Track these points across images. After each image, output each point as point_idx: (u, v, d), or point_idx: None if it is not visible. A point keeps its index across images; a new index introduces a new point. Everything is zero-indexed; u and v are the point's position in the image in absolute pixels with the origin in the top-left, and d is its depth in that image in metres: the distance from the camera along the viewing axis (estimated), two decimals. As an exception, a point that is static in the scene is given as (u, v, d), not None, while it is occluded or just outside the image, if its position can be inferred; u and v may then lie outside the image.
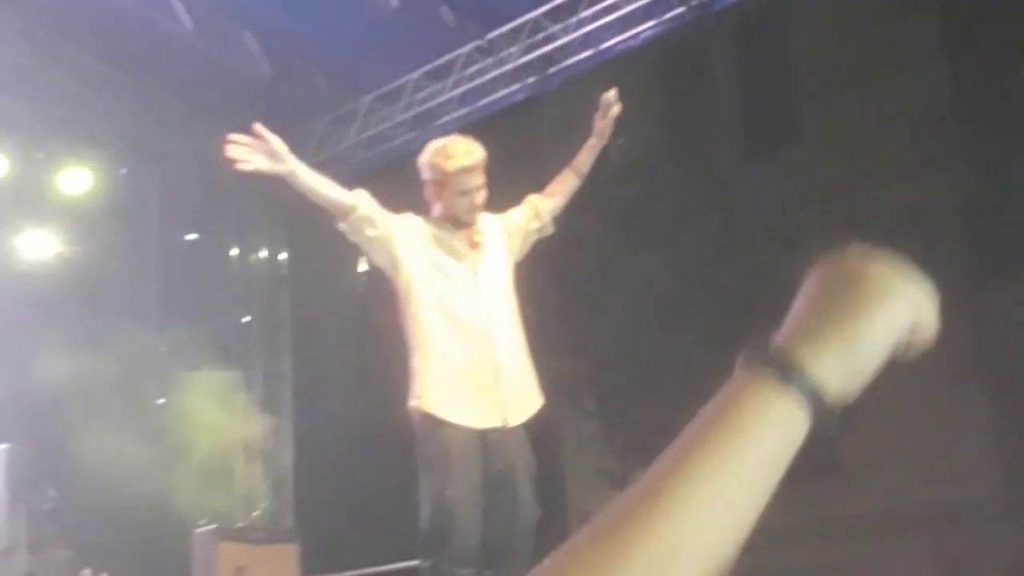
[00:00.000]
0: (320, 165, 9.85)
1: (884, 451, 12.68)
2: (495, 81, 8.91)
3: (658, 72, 15.84)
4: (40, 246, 8.60)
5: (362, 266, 9.92)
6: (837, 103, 14.48)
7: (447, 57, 9.06)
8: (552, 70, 8.88)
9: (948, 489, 11.94)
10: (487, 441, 3.93)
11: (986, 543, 8.55)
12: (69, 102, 8.79)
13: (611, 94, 4.31)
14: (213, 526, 7.74)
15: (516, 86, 8.99)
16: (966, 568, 9.24)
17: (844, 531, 12.67)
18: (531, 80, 8.97)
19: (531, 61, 8.82)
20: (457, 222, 4.15)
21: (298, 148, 9.90)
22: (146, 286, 9.85)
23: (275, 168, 3.82)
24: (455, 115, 9.14)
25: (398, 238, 4.04)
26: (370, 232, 3.99)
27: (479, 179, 4.11)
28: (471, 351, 3.98)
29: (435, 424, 3.89)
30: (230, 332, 10.39)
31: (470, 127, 9.10)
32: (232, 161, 3.77)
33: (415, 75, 9.21)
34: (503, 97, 9.02)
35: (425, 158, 4.18)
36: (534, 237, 4.41)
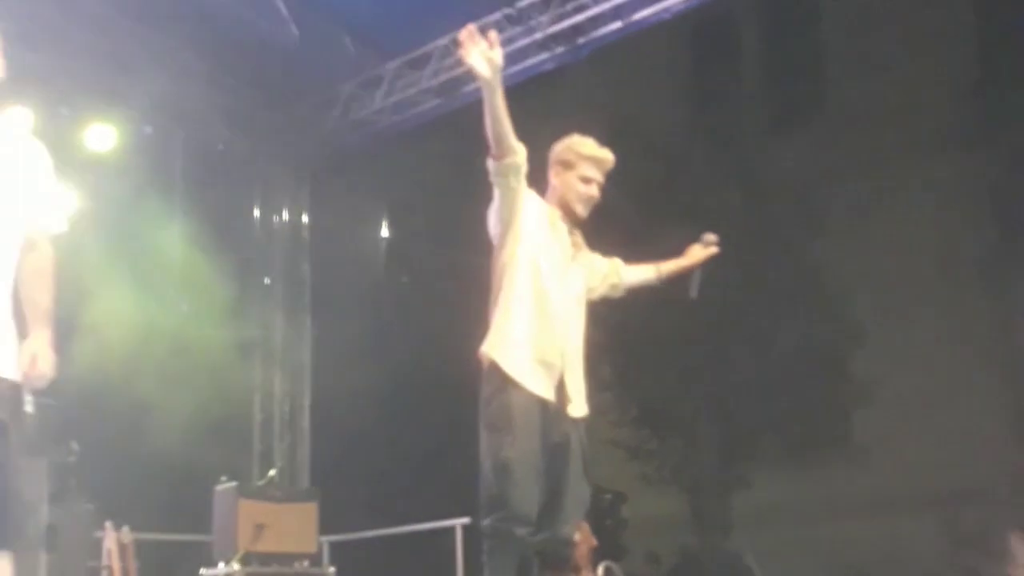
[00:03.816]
0: (346, 128, 9.92)
1: (899, 432, 12.67)
2: (524, 50, 8.87)
3: (687, 46, 15.77)
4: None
5: (383, 231, 9.93)
6: (864, 78, 14.38)
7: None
8: (581, 40, 8.84)
9: (961, 471, 11.94)
10: (547, 411, 3.99)
11: (997, 523, 8.57)
12: (96, 59, 8.80)
13: (713, 237, 4.56)
14: (233, 484, 7.80)
15: (545, 55, 8.96)
16: (977, 547, 9.27)
17: (857, 508, 12.69)
18: (560, 50, 8.93)
19: (561, 31, 8.78)
20: (567, 210, 4.25)
21: (323, 111, 9.91)
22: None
23: (483, 73, 3.92)
24: (481, 82, 9.08)
25: (525, 202, 4.13)
26: (513, 182, 4.04)
27: (600, 178, 4.27)
28: (550, 329, 4.05)
29: (502, 381, 3.96)
30: (251, 294, 10.43)
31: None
32: (459, 44, 4.07)
33: (442, 41, 9.19)
34: (531, 66, 8.98)
35: (560, 143, 4.33)
36: (602, 293, 4.48)
